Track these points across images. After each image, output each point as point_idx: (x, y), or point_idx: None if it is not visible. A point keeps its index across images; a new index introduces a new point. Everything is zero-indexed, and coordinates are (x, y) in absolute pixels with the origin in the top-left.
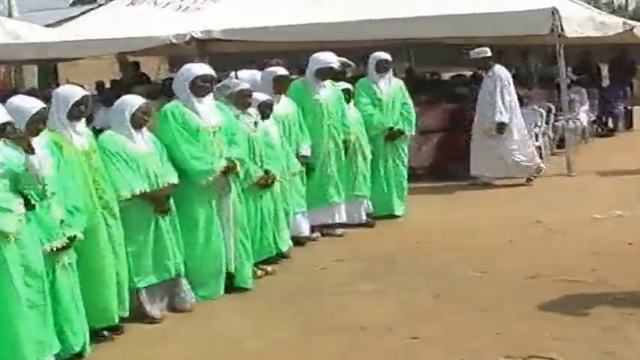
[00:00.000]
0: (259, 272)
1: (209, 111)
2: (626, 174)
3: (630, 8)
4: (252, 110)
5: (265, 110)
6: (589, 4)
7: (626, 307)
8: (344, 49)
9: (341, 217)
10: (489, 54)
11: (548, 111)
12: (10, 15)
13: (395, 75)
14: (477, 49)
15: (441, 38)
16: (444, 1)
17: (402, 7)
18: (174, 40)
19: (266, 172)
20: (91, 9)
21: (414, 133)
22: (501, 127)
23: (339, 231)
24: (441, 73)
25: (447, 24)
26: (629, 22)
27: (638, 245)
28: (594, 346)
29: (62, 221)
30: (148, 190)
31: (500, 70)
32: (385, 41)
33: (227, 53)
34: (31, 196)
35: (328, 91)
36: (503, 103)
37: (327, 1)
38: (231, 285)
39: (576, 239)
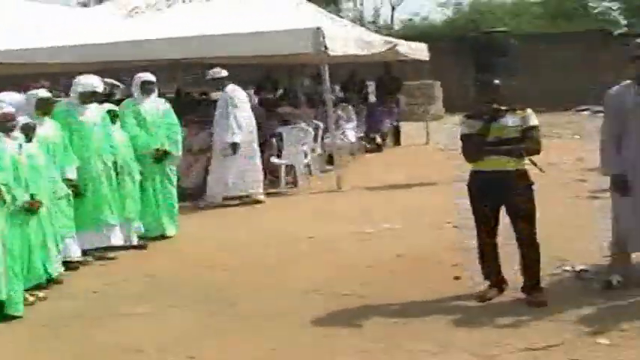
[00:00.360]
0: (31, 298)
1: None
2: (393, 188)
3: (397, 27)
4: (16, 133)
5: (29, 133)
6: (354, 22)
7: (396, 317)
8: (114, 69)
9: (117, 239)
10: (225, 74)
11: (316, 128)
12: None
13: (162, 95)
14: (213, 69)
15: (209, 58)
16: (208, 20)
17: (169, 27)
18: None
19: (32, 196)
20: None
21: (180, 154)
22: (234, 147)
23: (111, 254)
24: (210, 94)
25: (213, 44)
26: (393, 39)
27: (407, 257)
28: (367, 356)
29: None
30: None
31: (233, 90)
32: (153, 61)
33: None
34: None
35: (93, 113)
36: (237, 122)
37: (96, 21)
38: (2, 313)
39: (348, 253)
